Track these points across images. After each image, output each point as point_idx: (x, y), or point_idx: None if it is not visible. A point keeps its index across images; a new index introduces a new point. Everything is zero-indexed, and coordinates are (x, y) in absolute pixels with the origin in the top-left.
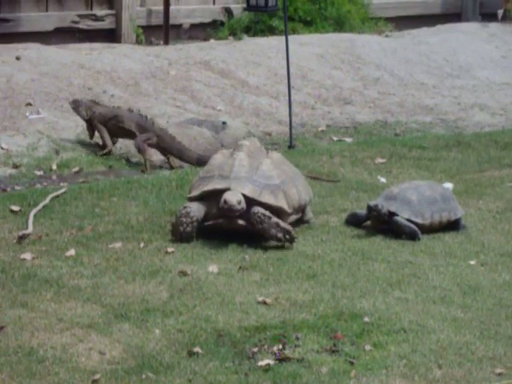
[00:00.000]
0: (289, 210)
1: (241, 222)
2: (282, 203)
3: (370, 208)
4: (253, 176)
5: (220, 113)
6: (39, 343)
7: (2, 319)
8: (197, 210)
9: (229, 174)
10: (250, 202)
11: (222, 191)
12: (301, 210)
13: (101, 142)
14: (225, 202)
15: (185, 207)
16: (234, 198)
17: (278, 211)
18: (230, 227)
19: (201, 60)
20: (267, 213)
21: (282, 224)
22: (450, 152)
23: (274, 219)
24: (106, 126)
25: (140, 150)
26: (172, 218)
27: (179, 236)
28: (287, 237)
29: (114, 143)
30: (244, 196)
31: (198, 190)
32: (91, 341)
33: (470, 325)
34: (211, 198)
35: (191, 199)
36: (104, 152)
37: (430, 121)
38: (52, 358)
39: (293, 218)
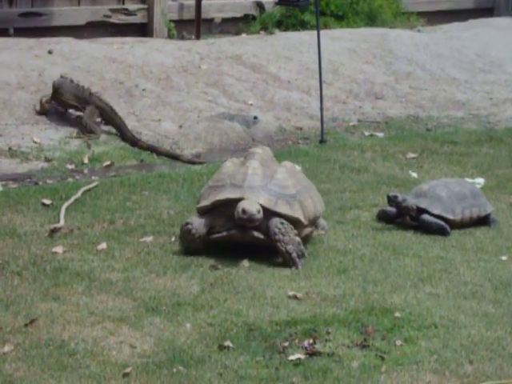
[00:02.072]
0: (305, 222)
1: (256, 233)
2: (298, 214)
3: (389, 199)
4: (267, 185)
5: (251, 107)
6: (70, 336)
7: (34, 312)
8: (198, 226)
9: (242, 182)
10: (265, 212)
11: (235, 201)
12: (315, 222)
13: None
14: (243, 211)
15: (186, 223)
16: (253, 207)
17: (293, 223)
18: (243, 239)
19: (232, 54)
20: (291, 227)
21: (302, 246)
22: (481, 147)
23: (298, 238)
24: (54, 97)
25: (88, 128)
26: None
27: (186, 249)
28: (297, 259)
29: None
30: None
31: (209, 199)
32: (122, 334)
33: (501, 320)
34: (222, 208)
35: (202, 209)
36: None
37: (461, 116)
38: (83, 351)
39: (307, 230)
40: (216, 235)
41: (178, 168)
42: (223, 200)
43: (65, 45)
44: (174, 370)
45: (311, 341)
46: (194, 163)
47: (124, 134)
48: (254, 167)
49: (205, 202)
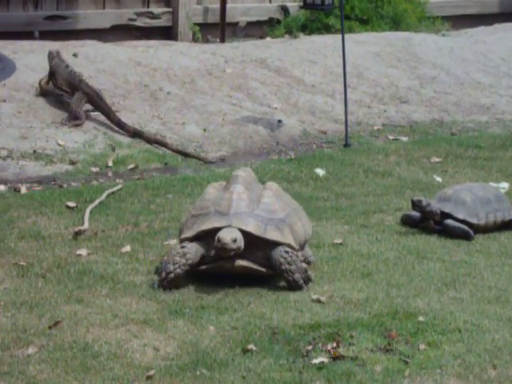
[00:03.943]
0: (296, 247)
1: (242, 262)
2: (289, 239)
3: (413, 203)
4: (254, 210)
5: (276, 111)
6: (94, 338)
7: (58, 314)
8: (195, 252)
9: (227, 209)
10: (255, 239)
11: (220, 229)
12: (304, 245)
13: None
14: (218, 240)
15: (182, 246)
16: (228, 235)
17: None
18: (232, 269)
19: (257, 58)
20: (297, 254)
21: (308, 272)
22: (506, 152)
23: (304, 264)
24: (52, 79)
25: (73, 114)
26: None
27: (164, 276)
28: (304, 285)
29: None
30: (247, 234)
31: (193, 229)
32: (146, 337)
33: None
34: (208, 238)
35: (185, 241)
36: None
37: (486, 120)
38: (107, 354)
39: (298, 254)
40: (203, 266)
41: (202, 171)
42: (209, 229)
43: (90, 48)
44: (198, 372)
45: (335, 344)
46: (179, 153)
47: (110, 119)
48: (238, 192)
49: (189, 233)
